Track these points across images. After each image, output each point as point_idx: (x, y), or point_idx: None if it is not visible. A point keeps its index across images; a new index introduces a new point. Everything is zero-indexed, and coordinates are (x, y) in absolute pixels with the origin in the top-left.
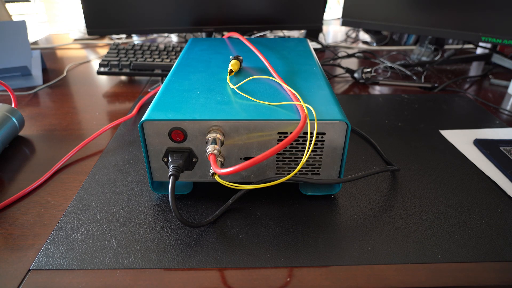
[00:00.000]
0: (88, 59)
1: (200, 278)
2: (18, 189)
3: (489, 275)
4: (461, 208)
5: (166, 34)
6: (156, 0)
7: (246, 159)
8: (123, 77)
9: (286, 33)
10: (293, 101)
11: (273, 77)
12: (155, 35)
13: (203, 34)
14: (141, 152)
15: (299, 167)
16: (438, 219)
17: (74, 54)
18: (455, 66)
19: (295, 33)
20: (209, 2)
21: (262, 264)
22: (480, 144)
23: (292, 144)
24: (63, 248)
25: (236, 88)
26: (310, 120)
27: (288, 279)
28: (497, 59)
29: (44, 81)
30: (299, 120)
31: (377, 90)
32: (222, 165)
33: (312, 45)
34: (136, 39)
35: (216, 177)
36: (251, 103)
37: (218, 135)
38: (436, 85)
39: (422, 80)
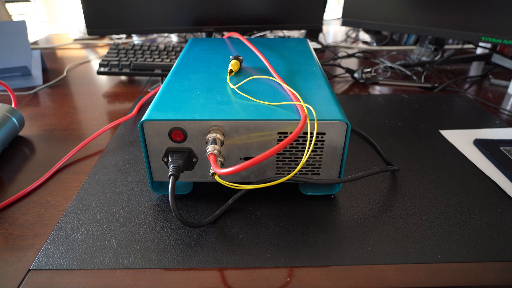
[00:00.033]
0: (88, 59)
1: (200, 278)
2: (18, 189)
3: (489, 275)
4: (461, 208)
5: (166, 34)
6: (156, 0)
7: (246, 159)
8: (123, 77)
9: (286, 33)
10: (293, 101)
11: (273, 77)
12: (155, 35)
13: (203, 34)
14: (141, 152)
15: (299, 167)
16: (438, 219)
17: (74, 54)
18: (455, 66)
19: (295, 33)
20: (209, 2)
21: (262, 264)
22: (480, 144)
23: (292, 144)
24: (63, 248)
25: (236, 88)
26: (310, 120)
27: (288, 279)
28: (497, 59)
29: (44, 81)
30: (299, 120)
31: (377, 90)
32: (222, 165)
33: (312, 45)
34: (136, 39)
35: (216, 177)
36: (251, 103)
37: (218, 135)
38: (436, 85)
39: (422, 80)
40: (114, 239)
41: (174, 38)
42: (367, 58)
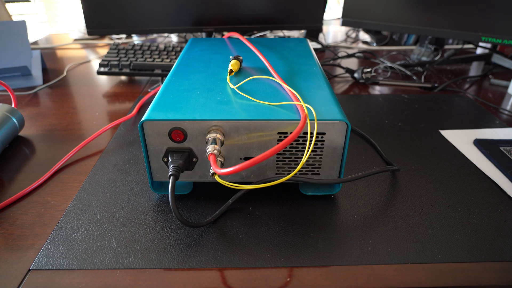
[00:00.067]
0: (88, 59)
1: (200, 278)
2: (18, 189)
3: (489, 275)
4: (461, 208)
5: (166, 34)
6: (156, 0)
7: (246, 159)
8: (123, 77)
9: (286, 33)
10: (293, 101)
11: (273, 77)
12: (155, 35)
13: (203, 34)
14: (141, 152)
15: (299, 167)
16: (438, 219)
17: (74, 54)
18: (455, 66)
19: (295, 33)
20: (209, 2)
21: (262, 264)
22: (480, 144)
23: (292, 144)
24: (63, 248)
25: (236, 88)
26: (310, 120)
27: (288, 279)
28: (497, 59)
29: (44, 81)
30: (299, 120)
31: (377, 90)
32: (222, 165)
33: (312, 45)
34: (136, 39)
35: (216, 177)
36: (251, 103)
37: (218, 135)
38: (436, 85)
39: (422, 80)
40: (114, 239)
41: (174, 38)
42: (367, 58)
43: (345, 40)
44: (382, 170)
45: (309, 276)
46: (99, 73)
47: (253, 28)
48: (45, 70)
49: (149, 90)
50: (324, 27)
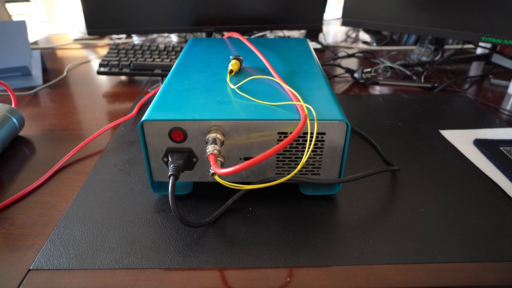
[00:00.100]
0: (88, 59)
1: (200, 278)
2: (18, 189)
3: (489, 275)
4: (461, 208)
5: (166, 34)
6: (156, 0)
7: (246, 159)
8: (123, 77)
9: (286, 33)
10: (293, 101)
11: (273, 77)
12: (155, 35)
13: (203, 34)
14: (141, 152)
15: (299, 167)
16: (438, 219)
17: (74, 54)
18: (455, 66)
19: (295, 33)
20: (209, 2)
21: (262, 264)
22: (480, 144)
23: (292, 144)
24: (63, 248)
25: (236, 88)
26: (310, 120)
27: (288, 279)
28: (497, 59)
29: (44, 81)
30: (299, 120)
31: (377, 90)
32: (222, 165)
33: (312, 45)
34: (136, 39)
35: (216, 177)
36: (251, 103)
37: (218, 135)
38: (436, 85)
39: (422, 80)
40: (114, 239)
41: (174, 38)
42: (367, 58)
43: (345, 40)
44: (382, 170)
45: (309, 276)
46: (99, 73)
47: (253, 28)
48: (45, 70)
49: (149, 90)
50: (324, 27)
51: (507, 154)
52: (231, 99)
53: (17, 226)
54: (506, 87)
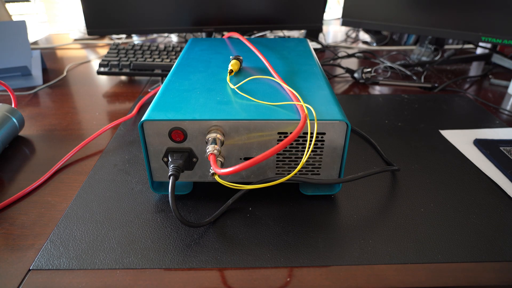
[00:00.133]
0: (88, 59)
1: (200, 278)
2: (18, 189)
3: (489, 275)
4: (461, 208)
5: (166, 34)
6: (156, 0)
7: (246, 159)
8: (123, 77)
9: (286, 33)
10: (293, 101)
11: (273, 77)
12: (155, 35)
13: (203, 34)
14: (141, 152)
15: (299, 167)
16: (438, 219)
17: (74, 54)
18: (455, 66)
19: (295, 33)
20: (209, 2)
21: (262, 264)
22: (480, 144)
23: (292, 144)
24: (63, 248)
25: (236, 88)
26: (310, 120)
27: (288, 279)
28: (497, 59)
29: (44, 81)
30: (299, 120)
31: (377, 90)
32: (222, 165)
33: (312, 45)
34: (136, 39)
35: (216, 177)
36: (251, 103)
37: (218, 135)
38: (436, 85)
39: (422, 80)
40: (114, 239)
41: (174, 38)
42: (367, 58)
43: (345, 40)
44: (382, 170)
45: (309, 276)
46: (99, 73)
47: (253, 28)
48: (45, 70)
49: (149, 90)
50: (324, 27)
51: (507, 154)
52: (231, 99)
53: (17, 226)
54: (506, 87)
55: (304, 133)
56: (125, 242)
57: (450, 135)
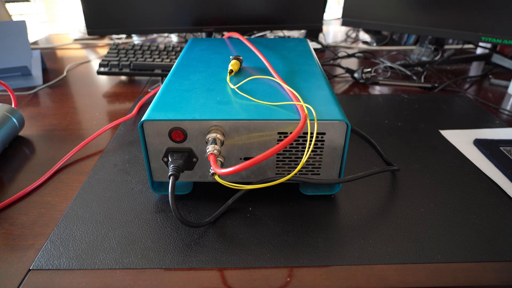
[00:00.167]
0: (88, 59)
1: (200, 278)
2: (18, 189)
3: (489, 275)
4: (461, 208)
5: (166, 34)
6: (156, 0)
7: (246, 159)
8: (123, 77)
9: (286, 33)
10: (293, 101)
11: (273, 77)
12: (155, 35)
13: (203, 34)
14: (141, 152)
15: (299, 167)
16: (438, 219)
17: (74, 54)
18: (455, 66)
19: (295, 33)
20: (209, 2)
21: (262, 264)
22: (480, 144)
23: (292, 144)
24: (63, 248)
25: (236, 88)
26: (310, 120)
27: (288, 279)
28: (497, 59)
29: (44, 81)
30: (299, 120)
31: (377, 90)
32: (222, 165)
33: (312, 45)
34: (136, 39)
35: (216, 177)
36: (251, 103)
37: (218, 135)
38: (436, 85)
39: (422, 80)
40: (114, 239)
41: (174, 38)
42: (367, 58)
43: (345, 40)
44: (382, 170)
45: (309, 276)
46: (99, 73)
47: (253, 28)
48: (45, 70)
49: (149, 90)
50: (324, 27)
51: (507, 154)
52: (231, 99)
53: (17, 226)
54: (506, 87)
55: (304, 133)
56: (125, 242)
57: (450, 135)
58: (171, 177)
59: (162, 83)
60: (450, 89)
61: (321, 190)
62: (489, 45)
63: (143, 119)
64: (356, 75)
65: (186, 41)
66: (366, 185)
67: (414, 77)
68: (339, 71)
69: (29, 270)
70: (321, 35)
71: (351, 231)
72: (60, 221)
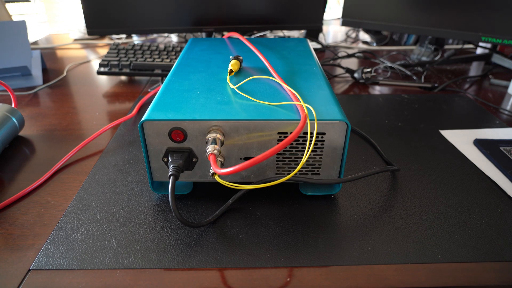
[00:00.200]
0: (88, 59)
1: (200, 278)
2: (18, 189)
3: (489, 275)
4: (461, 208)
5: (166, 34)
6: (156, 0)
7: (246, 159)
8: (123, 77)
9: (286, 33)
10: (293, 101)
11: (273, 77)
12: (155, 35)
13: (203, 34)
14: (141, 152)
15: (299, 167)
16: (438, 219)
17: (74, 54)
18: (455, 66)
19: (295, 33)
20: (209, 2)
21: (262, 264)
22: (480, 144)
23: (292, 144)
24: (63, 248)
25: (236, 88)
26: (310, 120)
27: (288, 279)
28: (497, 59)
29: (44, 81)
30: (299, 120)
31: (377, 90)
32: (222, 165)
33: (312, 45)
34: (136, 39)
35: (216, 177)
36: (251, 103)
37: (218, 135)
38: (436, 85)
39: (422, 80)
40: (114, 239)
41: (174, 38)
42: (367, 58)
43: (345, 40)
44: (382, 170)
45: (309, 276)
46: (99, 73)
47: (253, 28)
48: (45, 70)
49: (149, 90)
50: (324, 27)
51: (507, 154)
52: (231, 99)
53: (17, 226)
54: (506, 87)
55: (304, 133)
56: (125, 242)
57: (450, 135)
58: (171, 177)
59: (162, 83)
60: (450, 89)
61: (321, 190)
62: (489, 45)
63: (143, 119)
64: (356, 75)
65: (186, 41)
66: (366, 185)
67: (414, 77)
68: (339, 71)
69: (29, 270)
70: (321, 35)
71: (351, 231)
72: (60, 221)
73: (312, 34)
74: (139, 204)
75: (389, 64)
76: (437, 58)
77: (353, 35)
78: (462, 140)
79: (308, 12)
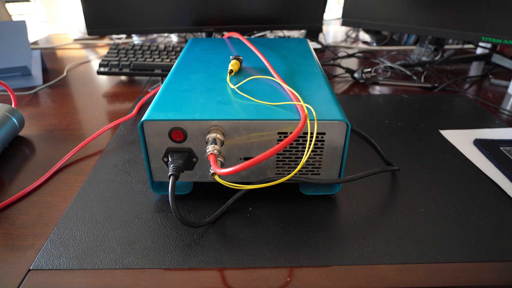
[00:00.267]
0: (88, 59)
1: (200, 278)
2: (18, 189)
3: (489, 275)
4: (461, 208)
5: (166, 34)
6: (156, 0)
7: (246, 159)
8: (123, 77)
9: (286, 33)
10: (293, 101)
11: (273, 77)
12: (155, 35)
13: (203, 34)
14: (141, 152)
15: (299, 167)
16: (438, 219)
17: (74, 54)
18: (455, 66)
19: (295, 33)
20: (209, 2)
21: (262, 264)
22: (480, 144)
23: (292, 144)
24: (63, 248)
25: (236, 88)
26: (310, 120)
27: (288, 279)
28: (497, 59)
29: (44, 81)
30: (299, 120)
31: (377, 90)
32: (222, 165)
33: (312, 45)
34: (136, 39)
35: (216, 177)
36: (251, 103)
37: (218, 135)
38: (436, 85)
39: (422, 80)
40: (114, 239)
41: (174, 38)
42: (367, 58)
43: (345, 40)
44: (382, 170)
45: (309, 276)
46: (99, 73)
47: (253, 28)
48: (45, 70)
49: (149, 90)
50: (324, 27)
51: (507, 154)
52: (231, 99)
53: (17, 226)
54: (506, 87)
55: (304, 133)
56: (125, 242)
57: (450, 135)
58: (171, 177)
59: (162, 83)
60: (450, 89)
61: (321, 190)
62: (489, 45)
63: (143, 119)
64: (356, 75)
65: (186, 41)
66: (366, 185)
67: (414, 77)
68: (339, 71)
69: (29, 270)
70: (321, 35)
71: (351, 231)
72: (60, 221)
73: (312, 34)
74: (139, 204)
75: (389, 64)
76: (437, 58)
77: (353, 35)
78: (462, 140)
79: (308, 12)
